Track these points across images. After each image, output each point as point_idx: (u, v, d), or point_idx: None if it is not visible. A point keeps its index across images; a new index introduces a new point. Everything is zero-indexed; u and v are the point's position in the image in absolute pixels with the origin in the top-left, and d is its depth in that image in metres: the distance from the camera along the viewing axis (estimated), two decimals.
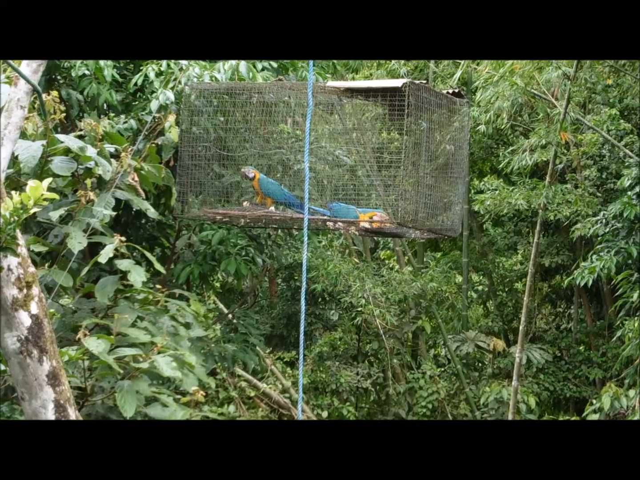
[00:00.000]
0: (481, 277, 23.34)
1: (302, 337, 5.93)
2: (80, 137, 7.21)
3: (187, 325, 7.24)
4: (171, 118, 8.04)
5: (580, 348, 20.52)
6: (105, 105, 9.27)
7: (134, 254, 7.69)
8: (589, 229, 15.91)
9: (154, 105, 8.30)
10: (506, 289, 21.94)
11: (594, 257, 14.74)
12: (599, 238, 15.51)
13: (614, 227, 15.03)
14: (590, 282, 14.74)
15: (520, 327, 18.35)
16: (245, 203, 8.01)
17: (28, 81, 6.22)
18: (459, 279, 21.09)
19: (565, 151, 18.30)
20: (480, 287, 23.46)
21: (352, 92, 7.91)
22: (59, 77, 9.17)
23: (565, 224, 17.99)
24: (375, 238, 20.73)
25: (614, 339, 17.36)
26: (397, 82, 7.16)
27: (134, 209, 8.67)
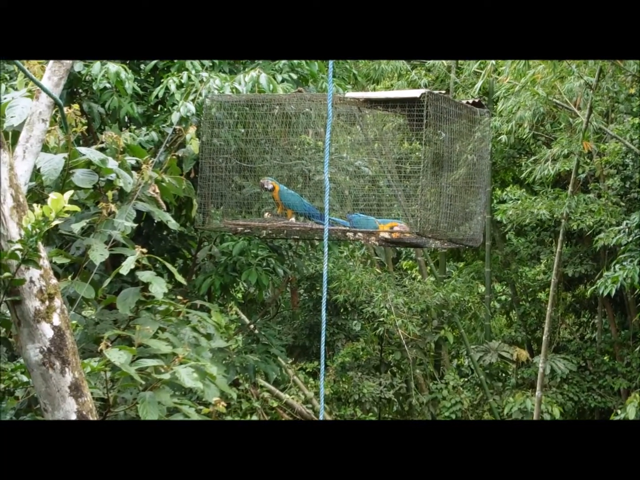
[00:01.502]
0: (504, 287, 23.25)
1: (323, 347, 5.93)
2: (102, 150, 7.25)
3: (209, 336, 7.24)
4: (192, 130, 8.07)
5: (605, 358, 20.38)
6: (126, 117, 9.32)
7: (156, 265, 7.72)
8: (612, 238, 15.80)
9: (174, 117, 8.34)
10: (529, 299, 21.83)
11: (617, 266, 14.65)
12: (622, 247, 15.42)
13: (637, 236, 14.93)
14: (614, 291, 14.64)
15: (544, 337, 18.26)
16: (266, 214, 8.04)
17: (50, 95, 6.27)
18: (482, 288, 21.01)
19: (588, 160, 18.22)
20: (503, 297, 23.37)
21: (372, 102, 7.93)
22: (80, 90, 9.22)
23: (589, 233, 17.88)
24: (397, 248, 20.69)
25: (639, 348, 17.24)
26: (416, 93, 7.18)
27: (155, 221, 8.71)
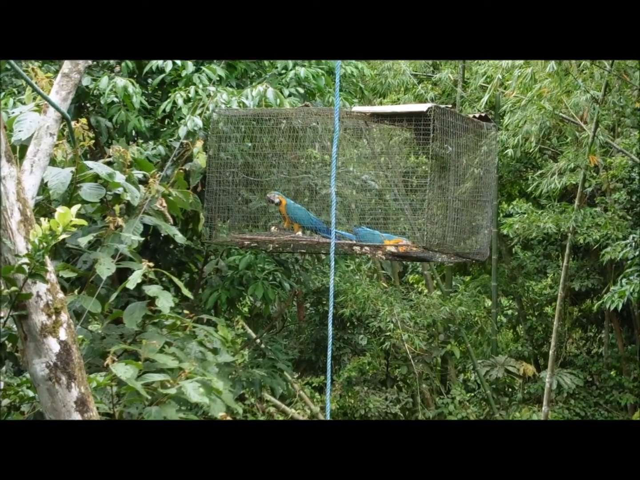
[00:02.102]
0: (510, 301, 23.21)
1: (329, 361, 5.92)
2: (109, 164, 7.26)
3: (215, 351, 7.23)
4: (199, 144, 8.08)
5: (612, 373, 20.32)
6: (133, 131, 9.34)
7: (162, 279, 7.71)
8: (619, 252, 15.77)
9: (182, 131, 8.35)
10: (536, 313, 21.80)
11: (624, 280, 14.60)
12: (628, 261, 15.38)
13: None
14: (621, 306, 14.59)
15: (550, 352, 18.22)
16: (273, 228, 8.04)
17: (57, 109, 6.28)
18: (488, 303, 20.98)
19: (595, 174, 18.22)
20: (509, 311, 23.33)
21: (379, 116, 7.93)
22: (88, 104, 9.25)
23: (595, 247, 17.87)
24: (404, 262, 20.68)
25: None
26: (422, 107, 7.18)
27: (162, 235, 8.72)
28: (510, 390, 20.84)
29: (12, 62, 5.75)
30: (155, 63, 9.19)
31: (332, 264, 6.16)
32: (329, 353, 5.92)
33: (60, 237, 5.14)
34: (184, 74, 9.19)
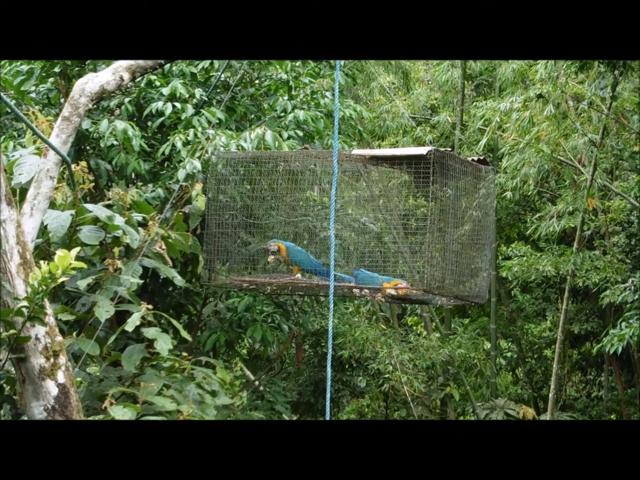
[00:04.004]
0: (510, 344, 23.16)
1: (328, 404, 5.90)
2: (109, 206, 7.28)
3: (213, 393, 7.20)
4: (198, 187, 8.10)
5: (612, 416, 20.23)
6: (133, 174, 9.37)
7: (161, 321, 7.70)
8: (618, 295, 15.75)
9: (181, 174, 8.37)
10: (535, 356, 21.75)
11: (623, 324, 14.56)
12: (628, 305, 15.36)
13: None
14: (620, 349, 14.55)
15: (550, 395, 18.15)
16: (271, 257, 8.00)
17: (57, 152, 6.31)
18: (487, 345, 20.93)
19: (593, 217, 18.26)
20: (509, 354, 23.27)
21: (378, 159, 7.96)
22: (88, 147, 9.29)
23: (594, 290, 17.86)
24: (403, 304, 20.66)
25: None
26: (422, 150, 7.20)
27: (161, 277, 8.71)
28: None
29: (12, 105, 5.80)
30: (155, 106, 9.24)
31: (332, 306, 6.18)
32: (328, 395, 5.91)
33: (60, 280, 5.14)
34: (183, 116, 9.24)
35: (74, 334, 7.20)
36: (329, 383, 5.99)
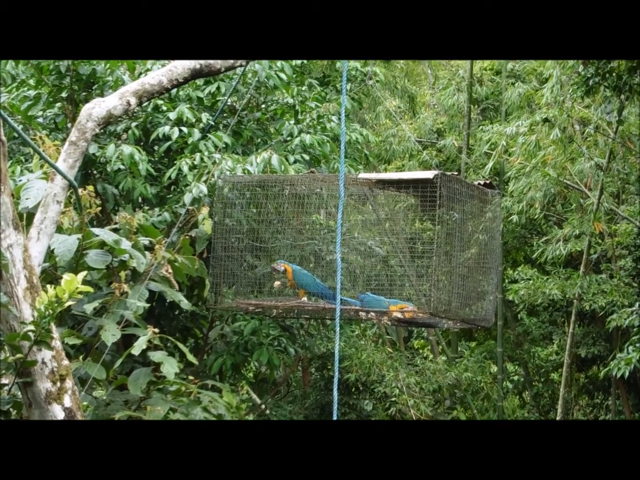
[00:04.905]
0: (516, 367, 23.08)
1: None
2: (115, 230, 7.30)
3: (220, 417, 7.20)
4: (204, 210, 8.13)
5: None
6: (140, 198, 9.39)
7: (167, 345, 7.71)
8: (625, 319, 15.72)
9: (187, 198, 8.40)
10: (542, 380, 21.66)
11: (630, 348, 14.52)
12: (635, 329, 15.32)
13: None
14: (627, 373, 14.50)
15: (557, 419, 18.07)
16: (276, 283, 8.02)
17: (65, 176, 6.34)
18: (494, 368, 20.86)
19: (600, 241, 18.23)
20: (515, 378, 23.18)
21: (384, 183, 7.98)
22: (95, 172, 9.32)
23: (601, 314, 17.80)
24: (409, 327, 20.62)
25: None
26: (429, 174, 7.22)
27: (168, 301, 8.72)
28: None
29: (19, 130, 5.83)
30: (162, 130, 9.28)
31: (338, 329, 6.18)
32: (335, 418, 5.90)
33: (66, 304, 5.15)
34: (190, 141, 9.27)
35: (81, 357, 7.21)
36: (335, 406, 5.98)
